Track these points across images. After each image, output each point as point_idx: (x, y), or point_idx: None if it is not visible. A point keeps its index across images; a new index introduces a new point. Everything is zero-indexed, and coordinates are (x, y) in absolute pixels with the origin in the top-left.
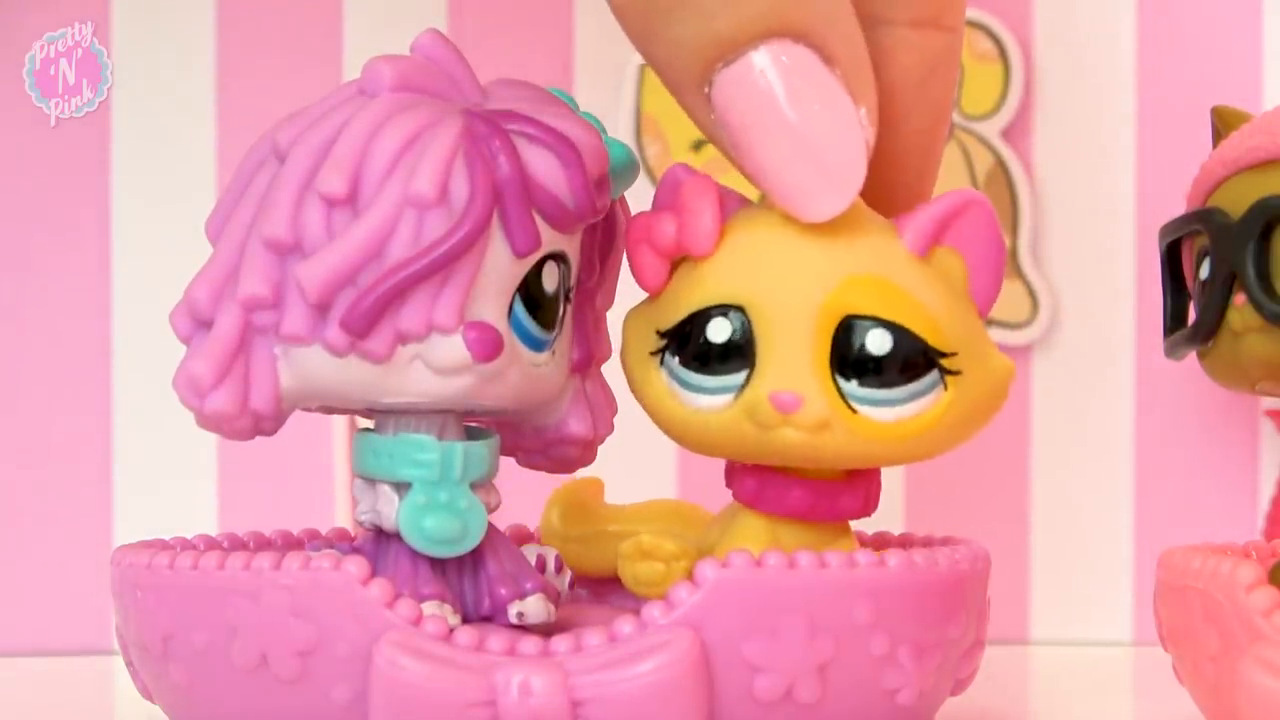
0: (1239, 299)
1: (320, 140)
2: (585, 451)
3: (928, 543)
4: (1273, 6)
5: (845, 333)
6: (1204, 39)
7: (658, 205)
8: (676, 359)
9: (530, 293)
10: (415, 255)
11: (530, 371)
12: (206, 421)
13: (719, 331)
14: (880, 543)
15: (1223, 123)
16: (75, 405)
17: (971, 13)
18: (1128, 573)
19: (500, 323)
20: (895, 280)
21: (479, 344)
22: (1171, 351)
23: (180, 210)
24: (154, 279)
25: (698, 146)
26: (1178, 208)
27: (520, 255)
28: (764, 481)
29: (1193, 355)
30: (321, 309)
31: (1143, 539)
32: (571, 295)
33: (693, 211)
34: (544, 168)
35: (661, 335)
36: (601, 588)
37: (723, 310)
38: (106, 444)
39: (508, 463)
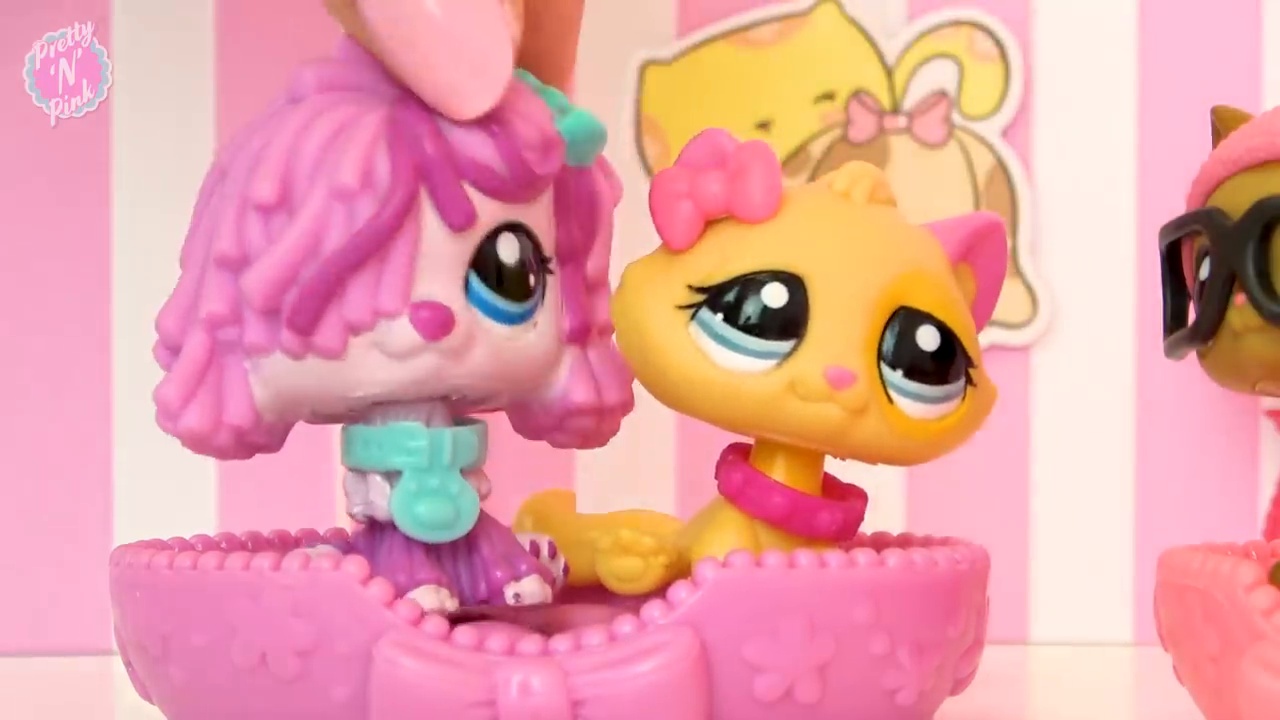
0: (1239, 299)
1: (252, 152)
2: (601, 421)
3: (927, 543)
4: (1273, 6)
5: (897, 323)
6: (1204, 39)
7: (694, 164)
8: (719, 315)
9: (488, 266)
10: (346, 243)
11: (503, 346)
12: (186, 442)
13: (774, 297)
14: (879, 543)
15: (1223, 123)
16: (75, 405)
17: (972, 13)
18: (1128, 573)
19: (454, 300)
20: (945, 284)
21: (425, 323)
22: (1171, 351)
23: (180, 211)
24: (154, 279)
25: None
26: (1178, 208)
27: (457, 229)
28: (749, 480)
29: (1193, 355)
30: (272, 315)
31: (1143, 539)
32: (551, 265)
33: (755, 176)
34: (471, 140)
35: (698, 290)
36: (578, 594)
37: (781, 277)
38: (106, 444)
39: (508, 459)
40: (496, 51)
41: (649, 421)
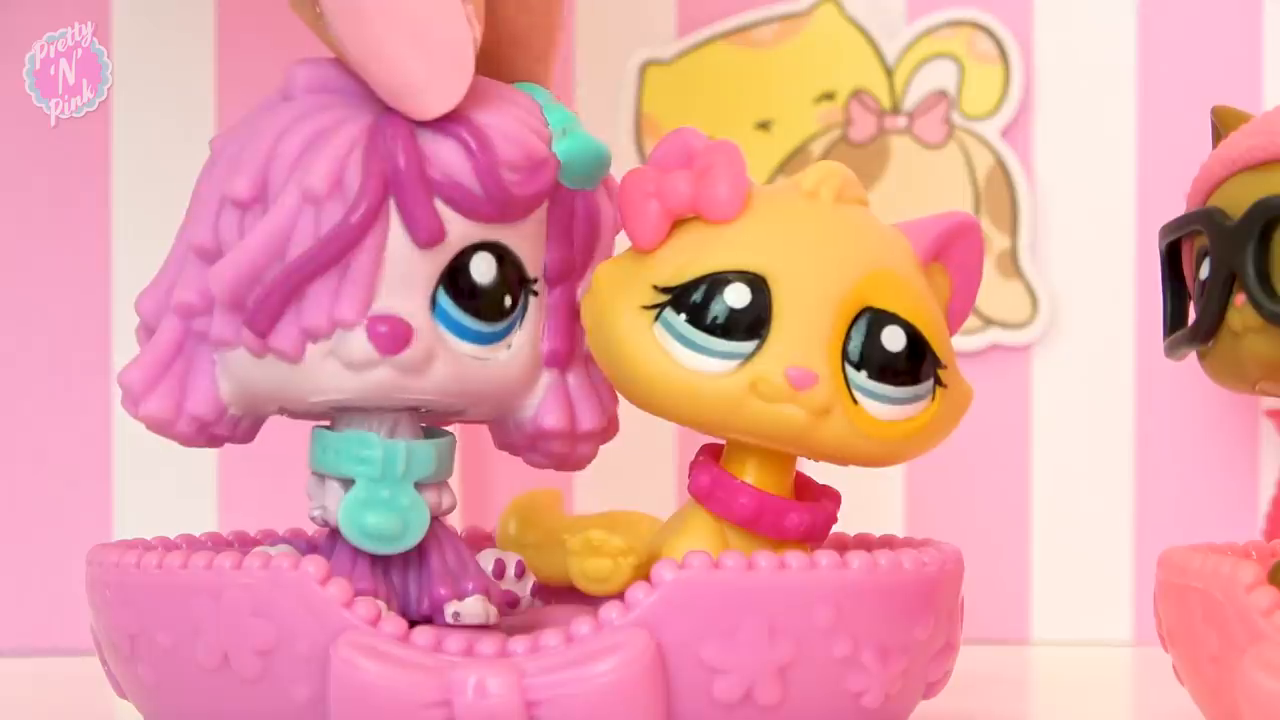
0: (1239, 299)
1: (237, 147)
2: (574, 447)
3: (905, 545)
4: (1273, 6)
5: (862, 324)
6: (1204, 39)
7: (663, 164)
8: (682, 316)
9: (459, 284)
10: (307, 249)
11: (468, 364)
12: (149, 426)
13: (737, 297)
14: (862, 544)
15: (1223, 123)
16: (75, 405)
17: (972, 13)
18: (1128, 573)
19: (418, 315)
20: (913, 284)
21: (381, 337)
22: (1171, 351)
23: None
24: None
25: None
26: (1178, 208)
27: (423, 245)
28: (717, 481)
29: (1193, 355)
30: (237, 310)
31: (1143, 539)
32: (536, 286)
33: (720, 175)
34: (447, 156)
35: (663, 290)
36: (561, 595)
37: (744, 277)
38: (106, 444)
39: (509, 459)
40: (457, 49)
41: (650, 422)
